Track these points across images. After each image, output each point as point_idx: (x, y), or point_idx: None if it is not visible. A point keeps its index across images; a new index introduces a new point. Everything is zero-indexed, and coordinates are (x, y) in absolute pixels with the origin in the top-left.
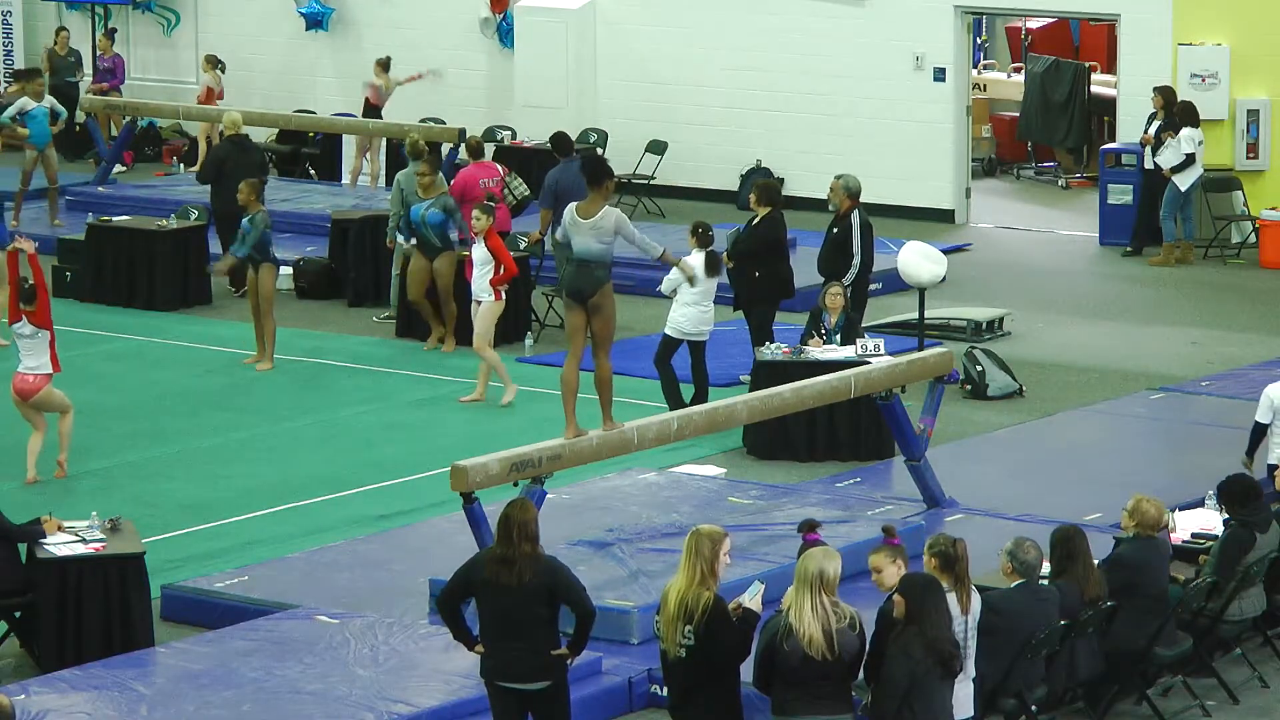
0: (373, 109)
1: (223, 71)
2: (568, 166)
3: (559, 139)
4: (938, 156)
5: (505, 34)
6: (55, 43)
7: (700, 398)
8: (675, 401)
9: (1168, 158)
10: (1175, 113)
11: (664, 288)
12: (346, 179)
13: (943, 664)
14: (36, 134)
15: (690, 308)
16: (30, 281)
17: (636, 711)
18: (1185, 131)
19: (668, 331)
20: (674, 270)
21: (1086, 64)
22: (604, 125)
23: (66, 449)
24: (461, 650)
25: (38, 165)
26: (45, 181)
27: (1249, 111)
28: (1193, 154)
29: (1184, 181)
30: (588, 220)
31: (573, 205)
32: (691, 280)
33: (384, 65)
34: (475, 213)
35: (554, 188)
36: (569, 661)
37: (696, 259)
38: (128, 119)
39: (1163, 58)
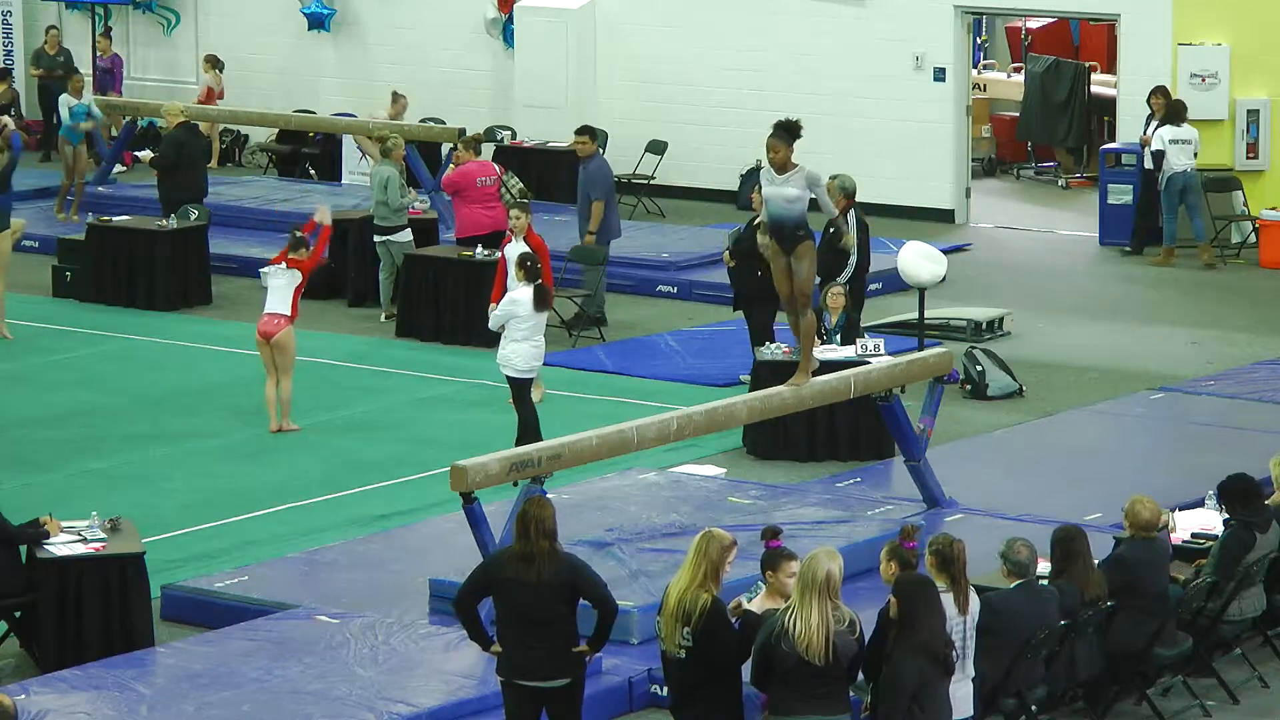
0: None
1: (221, 71)
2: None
3: (587, 131)
4: (938, 156)
5: (511, 34)
6: (45, 42)
7: (532, 436)
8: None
9: (1147, 158)
10: (1160, 111)
11: (492, 324)
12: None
13: (940, 663)
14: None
15: (521, 343)
16: (304, 233)
17: (636, 711)
18: (1159, 131)
19: (505, 372)
20: (503, 305)
21: (1086, 64)
22: (604, 125)
23: (288, 411)
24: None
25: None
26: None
27: (1249, 111)
28: (1162, 151)
29: (1161, 181)
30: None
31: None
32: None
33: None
34: (514, 212)
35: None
36: (588, 657)
37: (524, 293)
38: (127, 119)
39: (1163, 58)
